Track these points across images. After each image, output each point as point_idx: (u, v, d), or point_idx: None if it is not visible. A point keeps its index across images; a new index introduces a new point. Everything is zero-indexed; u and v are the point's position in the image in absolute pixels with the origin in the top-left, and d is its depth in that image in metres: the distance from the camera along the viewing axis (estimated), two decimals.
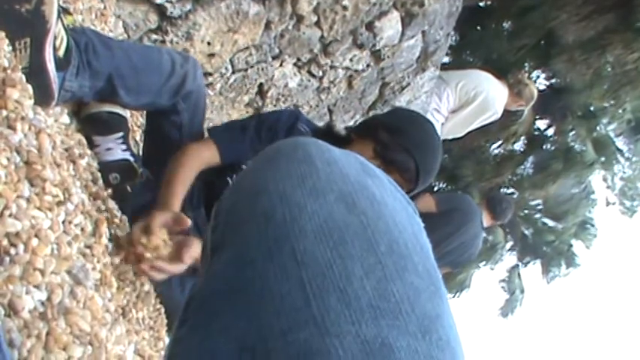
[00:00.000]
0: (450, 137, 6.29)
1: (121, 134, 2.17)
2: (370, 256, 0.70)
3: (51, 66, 1.62)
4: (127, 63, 1.95)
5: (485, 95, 5.72)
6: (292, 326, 0.63)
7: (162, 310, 2.10)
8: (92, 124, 2.11)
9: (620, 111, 8.93)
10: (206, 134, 2.45)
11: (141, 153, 2.51)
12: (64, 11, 1.92)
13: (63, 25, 1.67)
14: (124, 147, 2.17)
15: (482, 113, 5.82)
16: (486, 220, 5.67)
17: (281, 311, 0.65)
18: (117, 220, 1.86)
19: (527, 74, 6.98)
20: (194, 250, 1.90)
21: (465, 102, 5.80)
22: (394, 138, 2.36)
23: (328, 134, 2.54)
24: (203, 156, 2.28)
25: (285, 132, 2.41)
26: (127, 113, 2.24)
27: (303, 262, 0.68)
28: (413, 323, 0.66)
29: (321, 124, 2.77)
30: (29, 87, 1.51)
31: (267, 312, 0.65)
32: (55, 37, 1.61)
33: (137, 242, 1.75)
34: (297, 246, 0.70)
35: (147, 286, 1.96)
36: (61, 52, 1.66)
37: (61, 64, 1.68)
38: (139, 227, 1.78)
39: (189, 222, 1.90)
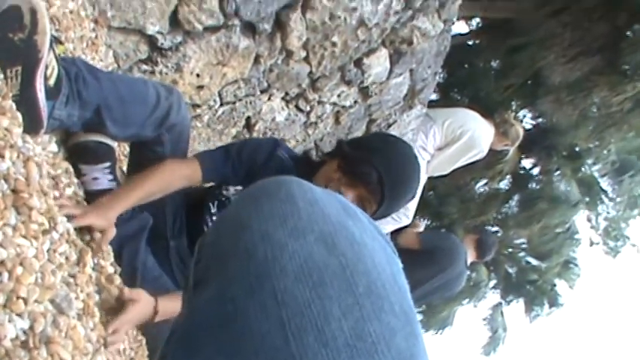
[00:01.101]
0: (436, 174, 6.30)
1: (108, 164, 2.17)
2: (348, 297, 0.71)
3: (41, 95, 1.63)
4: (115, 94, 1.96)
5: (472, 134, 5.74)
6: None
7: (144, 342, 2.10)
8: (80, 153, 2.11)
9: (605, 152, 8.99)
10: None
11: None
12: (55, 40, 1.94)
13: (54, 54, 1.68)
14: (110, 177, 2.17)
15: (468, 151, 5.84)
16: (471, 257, 5.67)
17: (260, 349, 0.66)
18: (102, 251, 1.86)
19: (513, 114, 7.02)
20: (135, 293, 1.90)
21: (451, 140, 5.82)
22: (356, 151, 2.36)
23: (305, 161, 2.55)
24: (181, 172, 2.29)
25: (264, 158, 2.41)
26: (114, 143, 2.25)
27: (282, 301, 0.69)
28: None
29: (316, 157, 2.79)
30: (19, 115, 1.52)
31: (247, 350, 0.66)
32: (47, 67, 1.62)
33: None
34: (278, 285, 0.71)
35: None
36: (51, 81, 1.67)
37: (51, 93, 1.69)
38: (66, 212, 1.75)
39: (110, 238, 1.91)
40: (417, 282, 5.40)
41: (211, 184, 2.53)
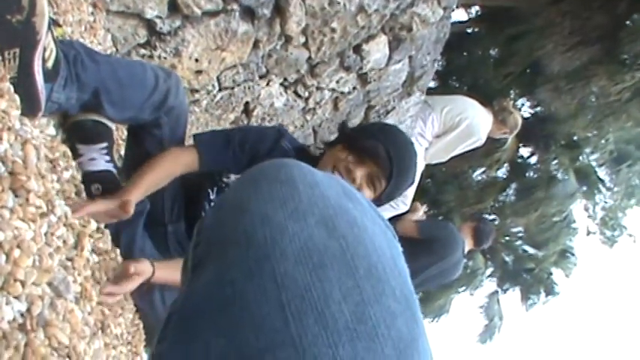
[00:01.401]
0: (435, 162, 6.30)
1: (105, 145, 2.16)
2: (349, 280, 0.71)
3: (39, 77, 1.62)
4: (113, 77, 1.96)
5: (470, 121, 5.73)
6: (270, 346, 0.64)
7: (141, 326, 2.10)
8: (77, 132, 2.10)
9: (603, 141, 9.00)
10: (190, 140, 2.45)
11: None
12: (54, 23, 1.93)
13: (53, 37, 1.67)
14: (107, 158, 2.17)
15: (466, 139, 5.83)
16: (468, 245, 5.68)
17: (260, 331, 0.65)
18: (99, 234, 1.86)
19: (512, 102, 7.02)
20: (140, 267, 1.91)
21: (449, 127, 5.81)
22: (359, 131, 2.47)
23: (307, 153, 2.55)
24: (182, 160, 2.29)
25: (268, 148, 2.41)
26: (112, 125, 2.25)
27: (282, 284, 0.69)
28: (389, 346, 0.67)
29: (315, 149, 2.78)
30: (16, 97, 1.51)
31: (247, 331, 0.66)
32: (45, 49, 1.62)
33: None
34: (278, 268, 0.71)
35: (127, 302, 1.96)
36: (49, 64, 1.67)
37: (50, 76, 1.68)
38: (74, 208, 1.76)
39: (131, 209, 1.92)
40: (415, 270, 5.42)
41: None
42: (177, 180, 2.32)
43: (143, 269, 1.92)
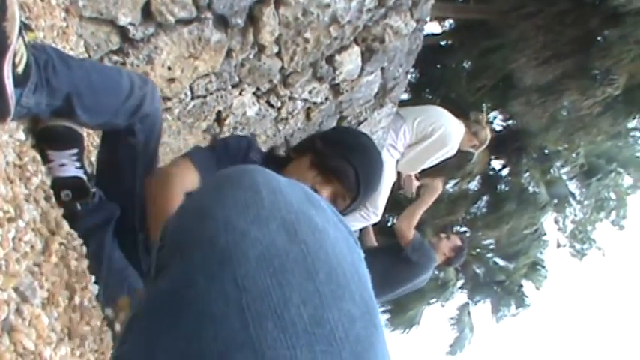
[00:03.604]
0: (409, 172, 6.30)
1: (75, 151, 2.14)
2: (308, 284, 0.72)
3: (9, 82, 1.61)
4: (86, 81, 1.94)
5: (443, 131, 5.73)
6: (229, 348, 0.65)
7: (109, 333, 2.09)
8: (47, 138, 2.08)
9: (574, 155, 9.09)
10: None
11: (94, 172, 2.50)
12: (25, 27, 1.91)
13: (24, 41, 1.67)
14: (77, 164, 2.15)
15: (439, 148, 5.82)
16: (440, 260, 5.74)
17: (219, 333, 0.66)
18: (68, 239, 1.85)
19: (487, 116, 7.06)
20: None
21: (422, 137, 5.80)
22: (330, 147, 2.35)
23: (272, 159, 2.54)
24: (187, 182, 2.23)
25: (242, 159, 2.40)
26: (83, 131, 2.23)
27: (243, 287, 0.70)
28: (346, 350, 0.68)
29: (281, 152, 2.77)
30: None
31: (206, 334, 0.67)
32: (15, 54, 1.61)
33: None
34: (239, 271, 0.72)
35: (95, 310, 1.95)
36: (20, 69, 1.66)
37: (20, 81, 1.67)
38: None
39: None
40: (392, 285, 5.49)
41: None
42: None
43: None
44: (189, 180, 2.24)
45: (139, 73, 2.47)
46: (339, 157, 2.28)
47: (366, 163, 2.32)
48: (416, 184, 6.20)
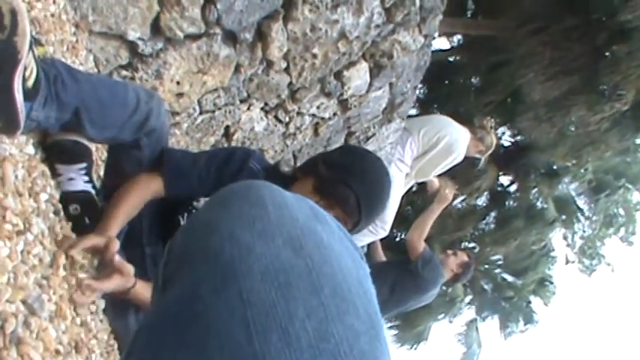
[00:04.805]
0: (420, 180, 6.30)
1: (84, 165, 2.15)
2: (313, 298, 0.72)
3: (19, 96, 1.62)
4: (94, 96, 1.95)
5: (449, 139, 5.72)
6: None
7: (115, 347, 2.09)
8: (57, 152, 2.09)
9: (582, 171, 9.08)
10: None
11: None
12: (36, 42, 1.92)
13: (34, 56, 1.68)
14: (86, 178, 2.16)
15: (446, 157, 5.81)
16: (448, 277, 5.73)
17: (224, 347, 0.66)
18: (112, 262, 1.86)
19: (492, 121, 7.04)
20: (125, 267, 1.91)
21: (428, 148, 5.80)
22: (332, 172, 2.34)
23: (276, 174, 2.54)
24: (151, 187, 2.28)
25: (235, 169, 2.38)
26: (92, 145, 2.24)
27: (248, 301, 0.70)
28: None
29: (286, 168, 2.77)
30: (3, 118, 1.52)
31: (211, 347, 0.67)
32: (26, 68, 1.62)
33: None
34: (244, 285, 0.72)
35: (102, 323, 1.95)
36: (30, 83, 1.67)
37: (30, 95, 1.68)
38: (69, 244, 1.78)
39: (115, 249, 1.90)
40: (399, 301, 5.49)
41: None
42: (155, 201, 2.31)
43: (127, 271, 1.91)
44: (153, 186, 2.29)
45: (145, 88, 2.48)
46: (340, 183, 2.28)
47: (368, 189, 2.31)
48: (435, 181, 6.19)
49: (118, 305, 2.09)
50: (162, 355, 0.70)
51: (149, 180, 2.29)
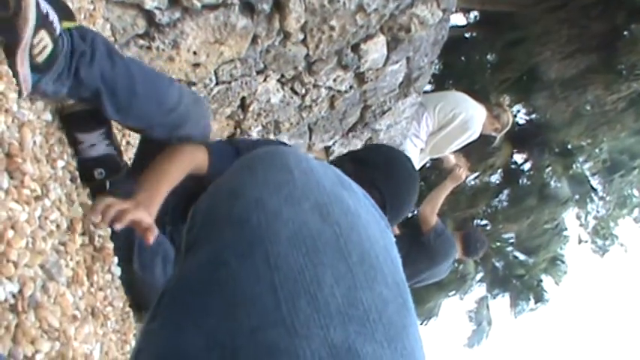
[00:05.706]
0: (435, 156, 6.29)
1: (103, 130, 2.13)
2: (341, 265, 0.71)
3: (23, 69, 1.59)
4: (126, 83, 1.91)
5: (465, 115, 5.71)
6: (261, 325, 0.64)
7: (131, 314, 2.10)
8: (75, 122, 2.07)
9: (597, 150, 9.03)
10: None
11: (132, 157, 2.52)
12: (66, 17, 1.88)
13: (51, 34, 1.64)
14: (107, 142, 2.13)
15: (461, 133, 5.79)
16: (457, 253, 5.71)
17: (251, 311, 0.66)
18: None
19: (507, 100, 7.01)
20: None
21: (444, 124, 5.79)
22: (359, 171, 2.28)
23: None
24: (197, 157, 2.23)
25: None
26: None
27: (275, 266, 0.70)
28: (379, 331, 0.67)
29: (300, 142, 2.76)
30: (14, 80, 1.51)
31: (238, 311, 0.66)
32: (34, 46, 1.59)
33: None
34: (271, 250, 0.71)
35: (117, 291, 1.96)
36: (40, 59, 1.62)
37: (39, 68, 1.65)
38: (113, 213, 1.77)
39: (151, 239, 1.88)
40: (410, 274, 5.48)
41: None
42: (184, 183, 2.28)
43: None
44: (199, 158, 2.24)
45: (193, 92, 2.45)
46: (367, 183, 2.26)
47: (395, 190, 2.32)
48: (451, 157, 6.18)
49: (145, 255, 2.09)
50: (188, 319, 0.69)
51: (195, 149, 2.25)
